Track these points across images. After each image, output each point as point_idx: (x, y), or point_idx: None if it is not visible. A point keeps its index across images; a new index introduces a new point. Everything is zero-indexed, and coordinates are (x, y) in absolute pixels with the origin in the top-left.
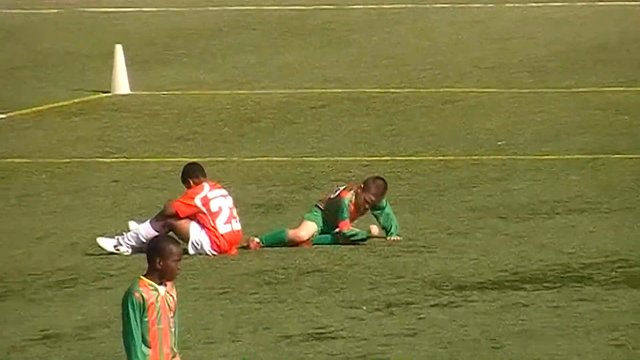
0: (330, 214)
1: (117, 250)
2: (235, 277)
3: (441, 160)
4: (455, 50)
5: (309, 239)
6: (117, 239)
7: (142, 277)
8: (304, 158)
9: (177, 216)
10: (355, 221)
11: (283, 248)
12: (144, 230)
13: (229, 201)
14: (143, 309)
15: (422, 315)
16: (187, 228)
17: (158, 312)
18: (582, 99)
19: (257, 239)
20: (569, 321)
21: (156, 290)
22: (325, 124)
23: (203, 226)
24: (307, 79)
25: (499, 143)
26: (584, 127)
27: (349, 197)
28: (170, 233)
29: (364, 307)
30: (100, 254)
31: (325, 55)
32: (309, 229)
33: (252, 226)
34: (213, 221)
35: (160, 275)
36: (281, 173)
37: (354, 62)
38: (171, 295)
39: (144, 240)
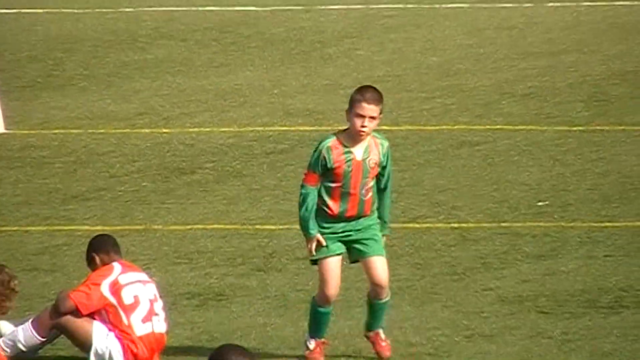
0: None
1: None
2: None
3: (456, 228)
4: (475, 69)
5: None
6: None
7: None
8: (258, 226)
9: (77, 313)
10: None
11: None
12: (23, 334)
13: (149, 290)
14: None
15: None
16: (87, 330)
17: None
18: None
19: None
20: None
21: None
22: (288, 176)
23: (112, 326)
24: (262, 111)
25: (540, 204)
26: None
27: (330, 136)
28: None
29: None
30: None
31: (289, 76)
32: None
33: (182, 325)
34: (127, 318)
35: None
36: (224, 247)
37: (331, 86)
38: None
39: (24, 349)
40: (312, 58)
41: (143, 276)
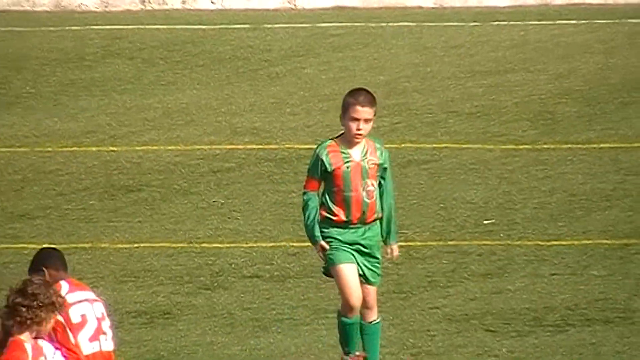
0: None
1: None
2: None
3: (402, 246)
4: (423, 88)
5: None
6: None
7: None
8: (205, 244)
9: None
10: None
11: None
12: None
13: (96, 308)
14: None
15: None
16: None
17: None
18: (608, 158)
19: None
20: None
21: None
22: (234, 194)
23: (60, 345)
24: (209, 130)
25: (486, 222)
26: (610, 199)
27: (326, 140)
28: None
29: None
30: None
31: (236, 94)
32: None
33: (129, 344)
34: (74, 337)
35: None
36: (171, 266)
37: (277, 104)
38: None
39: None
40: (259, 76)
41: (90, 294)
